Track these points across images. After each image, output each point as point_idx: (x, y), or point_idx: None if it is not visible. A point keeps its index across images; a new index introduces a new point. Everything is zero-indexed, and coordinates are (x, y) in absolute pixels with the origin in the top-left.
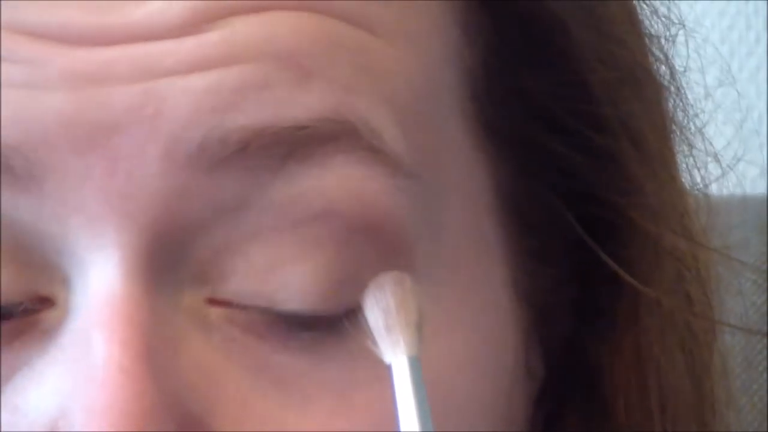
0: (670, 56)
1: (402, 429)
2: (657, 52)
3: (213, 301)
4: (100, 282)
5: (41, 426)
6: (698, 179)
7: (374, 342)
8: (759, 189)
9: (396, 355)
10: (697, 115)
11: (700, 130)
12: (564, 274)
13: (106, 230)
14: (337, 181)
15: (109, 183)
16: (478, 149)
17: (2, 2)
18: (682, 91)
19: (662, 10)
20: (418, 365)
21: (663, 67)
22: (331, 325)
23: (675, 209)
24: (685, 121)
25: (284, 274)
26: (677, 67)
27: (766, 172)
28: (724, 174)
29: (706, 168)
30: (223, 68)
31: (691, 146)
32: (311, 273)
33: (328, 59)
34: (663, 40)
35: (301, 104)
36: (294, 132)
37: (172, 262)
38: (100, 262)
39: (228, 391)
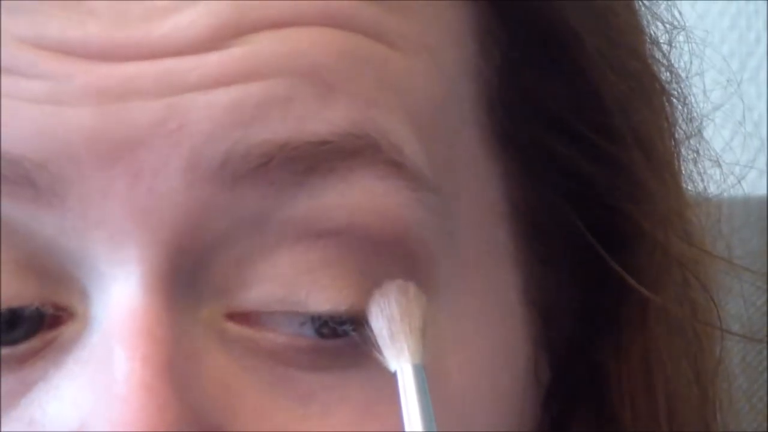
0: (673, 61)
1: None
2: (660, 57)
3: (232, 316)
4: (120, 297)
5: None
6: (699, 181)
7: (379, 350)
8: (759, 190)
9: (400, 363)
10: (701, 122)
11: (699, 132)
12: (571, 279)
13: (128, 245)
14: (359, 196)
15: (132, 197)
16: (492, 159)
17: (27, 18)
18: (686, 97)
19: (664, 14)
20: (422, 373)
21: (666, 72)
22: (354, 337)
23: (680, 215)
24: (689, 127)
25: (314, 278)
26: (679, 71)
27: (766, 172)
28: (724, 175)
29: (705, 170)
30: (245, 83)
31: (696, 152)
32: (340, 277)
33: (349, 74)
34: (665, 46)
35: (324, 119)
36: (317, 147)
37: (192, 276)
38: (120, 276)
39: (247, 403)
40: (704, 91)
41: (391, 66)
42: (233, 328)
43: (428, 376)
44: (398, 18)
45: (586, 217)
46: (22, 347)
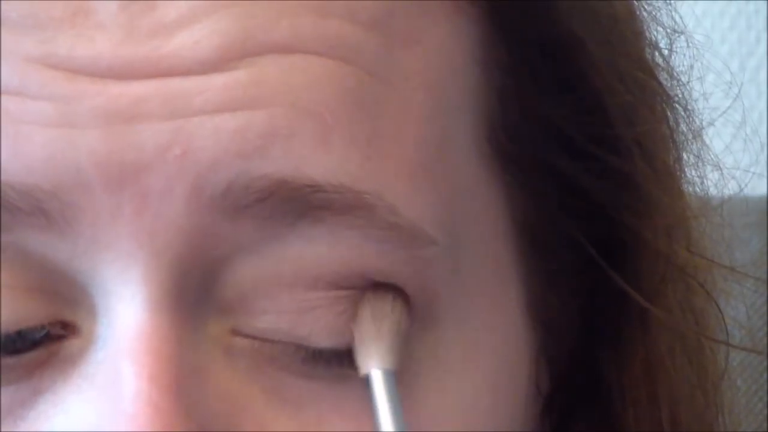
0: (674, 65)
1: None
2: (661, 62)
3: (237, 333)
4: (127, 315)
5: None
6: (699, 183)
7: (355, 355)
8: (759, 189)
9: (370, 368)
10: (702, 127)
11: (699, 132)
12: (574, 290)
13: (135, 266)
14: (349, 252)
15: (138, 221)
16: (493, 181)
17: (34, 35)
18: (687, 102)
19: (665, 18)
20: (392, 377)
21: (667, 77)
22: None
23: (683, 223)
24: (692, 132)
25: (315, 317)
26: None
27: (766, 172)
28: (723, 175)
29: (705, 171)
30: (250, 110)
31: (697, 156)
32: (342, 314)
33: (348, 117)
34: (666, 50)
35: (321, 164)
36: (311, 193)
37: (197, 295)
38: (127, 295)
39: (250, 416)
40: (704, 95)
41: (389, 110)
42: (239, 342)
43: (428, 396)
44: (401, 54)
45: (588, 228)
46: (28, 356)
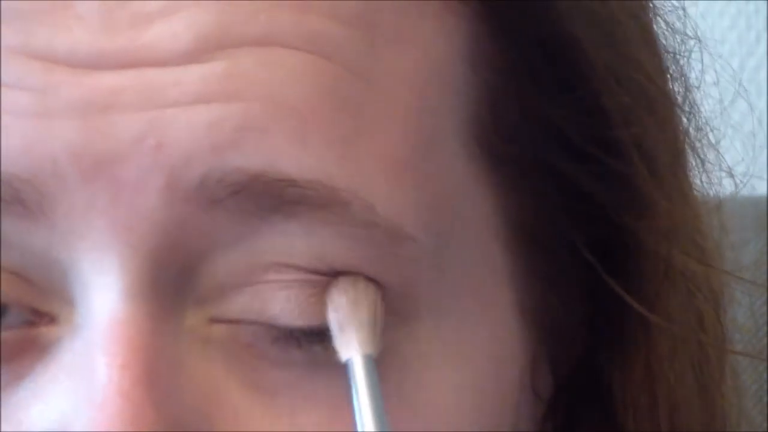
0: (686, 72)
1: (358, 427)
2: (673, 69)
3: (216, 320)
4: (103, 305)
5: None
6: (701, 185)
7: (334, 342)
8: (759, 189)
9: (350, 353)
10: (710, 131)
11: (706, 138)
12: (574, 294)
13: (111, 257)
14: (322, 248)
15: (113, 212)
16: (483, 181)
17: (14, 24)
18: (696, 107)
19: (678, 25)
20: (371, 363)
21: (677, 84)
22: (329, 341)
23: (687, 227)
24: (699, 136)
25: (286, 296)
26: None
27: (766, 172)
28: (724, 175)
29: (708, 173)
30: (225, 103)
31: (703, 161)
32: (313, 296)
33: (326, 114)
34: (677, 57)
35: (296, 159)
36: (285, 187)
37: (174, 287)
38: (103, 285)
39: (225, 408)
40: (701, 98)
41: (369, 108)
42: (217, 329)
43: (404, 390)
44: (385, 51)
45: (588, 230)
46: (5, 336)
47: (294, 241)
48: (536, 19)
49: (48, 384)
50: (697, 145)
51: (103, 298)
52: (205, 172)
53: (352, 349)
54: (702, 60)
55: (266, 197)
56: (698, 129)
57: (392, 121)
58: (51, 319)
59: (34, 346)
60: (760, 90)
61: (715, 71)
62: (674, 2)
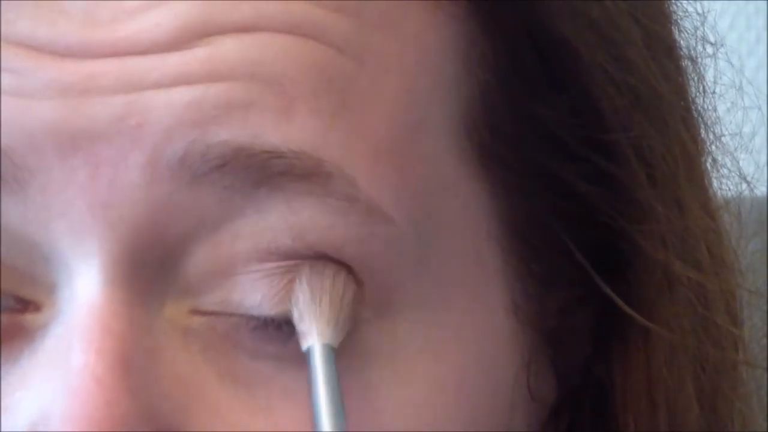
0: (702, 76)
1: (315, 418)
2: (691, 73)
3: (196, 312)
4: (82, 290)
5: (22, 428)
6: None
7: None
8: (759, 189)
9: (308, 343)
10: (720, 137)
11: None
12: (574, 298)
13: (89, 238)
14: (302, 225)
15: (92, 189)
16: (475, 179)
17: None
18: (703, 111)
19: (688, 28)
20: (330, 353)
21: (693, 89)
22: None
23: (690, 232)
24: (708, 139)
25: (268, 284)
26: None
27: (765, 172)
28: (724, 176)
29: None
30: (207, 84)
31: (715, 161)
32: (290, 283)
33: (313, 90)
34: (691, 61)
35: (282, 133)
36: (270, 159)
37: (156, 273)
38: (84, 270)
39: (203, 400)
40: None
41: (357, 86)
42: (197, 320)
43: (382, 385)
44: (374, 36)
45: (584, 234)
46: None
47: (277, 221)
48: (528, 20)
49: (31, 369)
50: (713, 149)
51: (83, 282)
52: (188, 147)
53: (310, 338)
54: (715, 65)
55: (251, 171)
56: (717, 137)
57: (380, 103)
58: (36, 306)
59: (23, 331)
60: (760, 90)
61: (716, 71)
62: (688, 7)
